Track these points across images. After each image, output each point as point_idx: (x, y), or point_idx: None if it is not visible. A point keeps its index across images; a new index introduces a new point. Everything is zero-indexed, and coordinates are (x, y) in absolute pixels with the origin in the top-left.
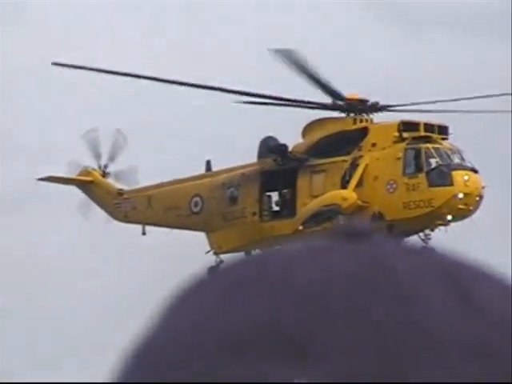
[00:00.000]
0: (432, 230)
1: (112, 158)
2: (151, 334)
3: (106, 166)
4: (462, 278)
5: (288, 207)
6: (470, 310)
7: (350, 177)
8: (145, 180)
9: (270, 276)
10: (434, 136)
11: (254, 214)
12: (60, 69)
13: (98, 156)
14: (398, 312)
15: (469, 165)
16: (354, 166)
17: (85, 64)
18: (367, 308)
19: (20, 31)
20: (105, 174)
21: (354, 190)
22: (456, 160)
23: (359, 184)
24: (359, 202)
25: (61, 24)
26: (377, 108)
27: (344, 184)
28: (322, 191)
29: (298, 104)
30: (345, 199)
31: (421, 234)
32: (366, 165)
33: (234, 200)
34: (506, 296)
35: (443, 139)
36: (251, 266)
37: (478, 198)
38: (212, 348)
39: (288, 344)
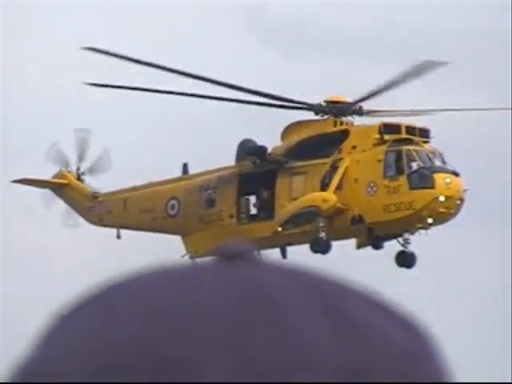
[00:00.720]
0: (412, 234)
1: (81, 158)
2: (26, 359)
3: (78, 169)
4: (334, 297)
5: (266, 209)
6: (341, 328)
7: (330, 179)
8: (119, 184)
9: (145, 301)
10: (416, 139)
11: (232, 216)
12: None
13: (81, 158)
14: (273, 335)
15: (450, 168)
16: (333, 168)
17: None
18: (243, 331)
19: None
20: (79, 177)
21: (334, 193)
22: (437, 163)
23: (339, 186)
24: (339, 205)
25: None
26: (359, 112)
27: (324, 186)
28: (301, 193)
29: (276, 104)
30: (325, 201)
31: (400, 238)
32: (346, 167)
33: (211, 203)
34: (376, 312)
35: (425, 142)
36: (126, 291)
37: (459, 202)
38: (81, 376)
39: (162, 367)
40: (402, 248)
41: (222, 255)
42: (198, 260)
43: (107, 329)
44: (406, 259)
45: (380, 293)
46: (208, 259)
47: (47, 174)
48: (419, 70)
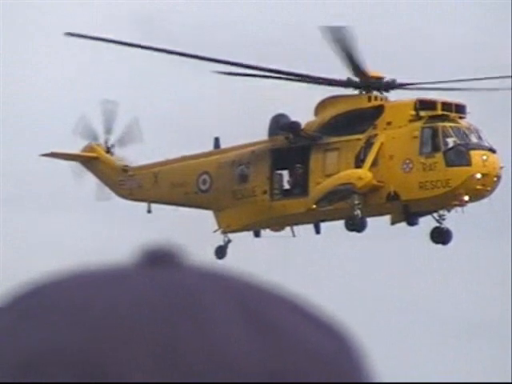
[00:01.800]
0: (448, 211)
1: (109, 130)
2: None
3: (107, 141)
4: (255, 302)
5: (300, 186)
6: (262, 332)
7: (365, 156)
8: (149, 158)
9: (66, 303)
10: (452, 115)
11: (265, 192)
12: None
13: (108, 130)
14: (196, 337)
15: (487, 144)
16: (368, 144)
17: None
18: (165, 333)
19: None
20: (109, 150)
21: (369, 169)
22: (474, 139)
23: (374, 163)
24: (374, 182)
25: None
26: (393, 86)
27: (358, 163)
28: (335, 170)
29: (310, 80)
30: (360, 178)
31: (435, 214)
32: (382, 143)
33: (243, 178)
34: (297, 317)
35: (460, 118)
36: (46, 293)
37: (495, 179)
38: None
39: (84, 368)
40: (437, 224)
41: (147, 258)
42: (125, 261)
43: (27, 330)
44: (441, 235)
45: (303, 298)
46: (133, 261)
47: (76, 149)
48: None
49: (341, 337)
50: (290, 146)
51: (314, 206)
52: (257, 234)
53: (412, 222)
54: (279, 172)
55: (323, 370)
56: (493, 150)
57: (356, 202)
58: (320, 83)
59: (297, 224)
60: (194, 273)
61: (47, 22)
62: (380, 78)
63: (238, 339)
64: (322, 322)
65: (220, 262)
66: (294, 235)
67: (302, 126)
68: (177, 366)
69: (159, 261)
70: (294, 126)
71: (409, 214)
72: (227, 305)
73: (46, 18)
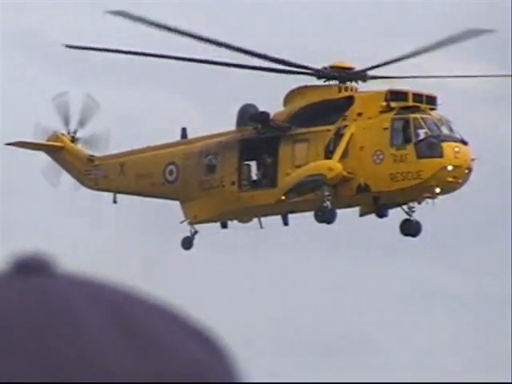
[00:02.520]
0: (419, 203)
1: (82, 124)
2: None
3: (75, 132)
4: (126, 310)
5: (269, 177)
6: (132, 338)
7: (335, 147)
8: (115, 148)
9: None
10: (423, 106)
11: (233, 183)
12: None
13: (67, 121)
14: (67, 343)
15: (458, 136)
16: (338, 135)
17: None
18: (39, 341)
19: None
20: (74, 140)
21: (339, 161)
22: (445, 131)
23: (344, 154)
24: (344, 173)
25: None
26: (363, 77)
27: (328, 154)
28: (304, 161)
29: (278, 69)
30: (330, 169)
31: (405, 206)
32: (352, 134)
33: (211, 168)
34: (167, 324)
35: (431, 109)
36: None
37: (467, 171)
38: None
39: None
40: (406, 216)
41: (19, 267)
42: None
43: None
44: (410, 228)
45: (174, 306)
46: (4, 270)
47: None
48: (459, 38)
49: (211, 342)
50: (258, 136)
51: (283, 198)
52: (224, 225)
53: (381, 214)
54: (248, 163)
55: (193, 373)
56: (464, 142)
57: (326, 193)
58: (288, 72)
59: (265, 215)
60: (65, 281)
61: None
62: (350, 69)
63: (109, 345)
64: (192, 328)
65: (187, 253)
66: (261, 227)
67: (271, 117)
68: (50, 373)
69: (31, 270)
70: (263, 117)
71: (378, 206)
72: (99, 312)
73: None
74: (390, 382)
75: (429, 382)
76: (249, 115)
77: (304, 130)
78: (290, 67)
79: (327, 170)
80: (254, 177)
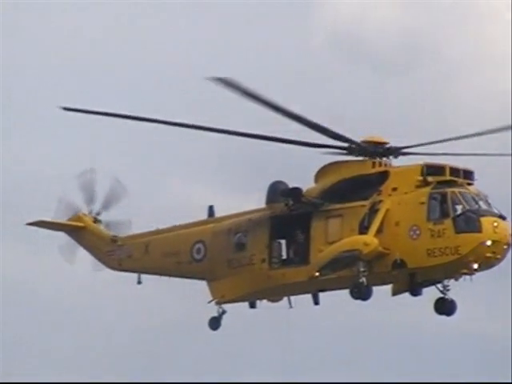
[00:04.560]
0: (456, 280)
1: (106, 207)
2: None
3: (98, 213)
4: None
5: (301, 254)
6: None
7: (369, 222)
8: (139, 227)
9: None
10: (460, 180)
11: (264, 260)
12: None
13: (90, 200)
14: None
15: (496, 211)
16: (373, 211)
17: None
18: None
19: None
20: (96, 220)
21: (375, 236)
22: (483, 206)
23: (379, 230)
24: (380, 249)
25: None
26: (396, 152)
27: (362, 230)
28: (338, 237)
29: (309, 144)
30: (366, 244)
31: (439, 285)
32: (387, 210)
33: (241, 246)
34: None
35: (469, 184)
36: None
37: (506, 247)
38: None
39: None
40: (441, 295)
41: None
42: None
43: None
44: (445, 306)
45: None
46: None
47: None
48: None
49: None
50: (289, 213)
51: (317, 274)
52: (252, 305)
53: (415, 293)
54: (278, 240)
55: None
56: (503, 217)
57: (361, 269)
58: (319, 146)
59: (298, 294)
60: None
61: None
62: (383, 144)
63: None
64: None
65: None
66: (291, 306)
67: (303, 192)
68: None
69: None
70: (295, 192)
71: (414, 284)
72: None
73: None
74: (388, 382)
75: (429, 382)
76: (280, 191)
77: (337, 205)
78: (328, 135)
79: (363, 245)
80: (286, 254)
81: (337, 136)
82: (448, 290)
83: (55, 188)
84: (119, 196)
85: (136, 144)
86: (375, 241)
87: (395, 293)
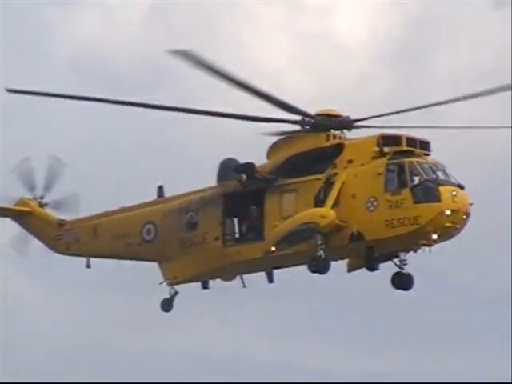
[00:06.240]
0: (415, 252)
1: (48, 188)
2: None
3: (42, 197)
4: None
5: (255, 230)
6: None
7: (325, 196)
8: (87, 211)
9: None
10: (417, 151)
11: (217, 238)
12: None
13: (32, 187)
14: None
15: (455, 181)
16: (328, 184)
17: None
18: None
19: None
20: (42, 205)
21: (331, 210)
22: (441, 176)
23: (335, 203)
24: (337, 221)
25: None
26: (350, 124)
27: (318, 203)
28: (293, 212)
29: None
30: (323, 217)
31: (396, 259)
32: (343, 182)
33: (193, 225)
34: None
35: (426, 155)
36: None
37: (465, 216)
38: None
39: None
40: (398, 269)
41: None
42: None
43: None
44: (402, 281)
45: None
46: None
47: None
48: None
49: None
50: (242, 189)
51: (273, 249)
52: (205, 286)
53: (372, 268)
54: (232, 217)
55: None
56: (461, 187)
57: (319, 242)
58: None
59: (253, 272)
60: None
61: None
62: (337, 116)
63: None
64: None
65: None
66: (244, 286)
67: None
68: None
69: None
70: (248, 167)
71: (371, 258)
72: None
73: None
74: (391, 382)
75: (429, 382)
76: (233, 167)
77: (291, 180)
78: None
79: (320, 218)
80: (240, 231)
81: (291, 109)
82: (405, 264)
83: None
84: (59, 173)
85: (80, 124)
86: (332, 213)
87: (351, 269)
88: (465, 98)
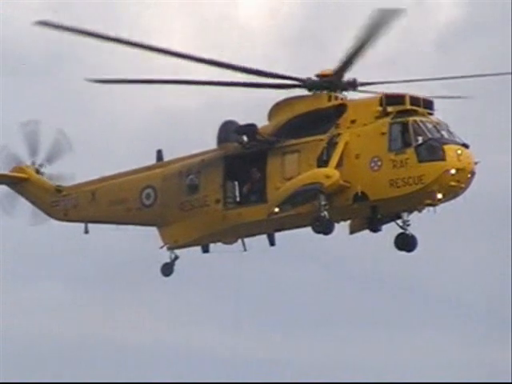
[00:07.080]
0: (420, 211)
1: (50, 160)
2: None
3: (41, 165)
4: None
5: (257, 192)
6: None
7: (328, 156)
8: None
9: None
10: (420, 110)
11: (218, 201)
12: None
13: (34, 152)
14: None
15: (459, 140)
16: (331, 144)
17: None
18: None
19: None
20: (39, 171)
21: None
22: (446, 134)
23: (339, 163)
24: (341, 182)
25: None
26: (354, 85)
27: (321, 164)
28: (296, 173)
29: (261, 84)
30: (328, 177)
31: (399, 221)
32: (346, 142)
33: (193, 188)
34: None
35: (429, 114)
36: None
37: (470, 175)
38: None
39: None
40: (401, 230)
41: None
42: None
43: None
44: (406, 242)
45: None
46: None
47: None
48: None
49: None
50: (243, 151)
51: (277, 210)
52: (205, 250)
53: (375, 229)
54: (233, 179)
55: None
56: (466, 146)
57: (323, 202)
58: (271, 86)
59: (256, 234)
60: None
61: None
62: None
63: None
64: None
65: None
66: (245, 249)
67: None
68: None
69: None
70: (250, 128)
71: (374, 219)
72: None
73: None
74: (387, 382)
75: (429, 382)
76: (234, 129)
77: (294, 141)
78: (273, 78)
79: (324, 178)
80: (241, 193)
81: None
82: (408, 225)
83: None
84: (64, 150)
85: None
86: (337, 173)
87: (353, 231)
88: None
